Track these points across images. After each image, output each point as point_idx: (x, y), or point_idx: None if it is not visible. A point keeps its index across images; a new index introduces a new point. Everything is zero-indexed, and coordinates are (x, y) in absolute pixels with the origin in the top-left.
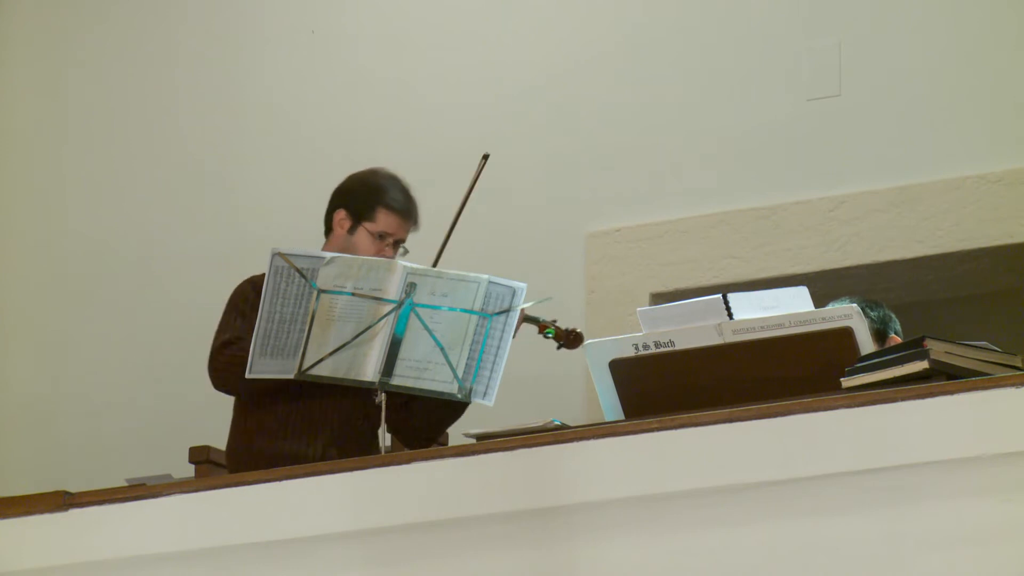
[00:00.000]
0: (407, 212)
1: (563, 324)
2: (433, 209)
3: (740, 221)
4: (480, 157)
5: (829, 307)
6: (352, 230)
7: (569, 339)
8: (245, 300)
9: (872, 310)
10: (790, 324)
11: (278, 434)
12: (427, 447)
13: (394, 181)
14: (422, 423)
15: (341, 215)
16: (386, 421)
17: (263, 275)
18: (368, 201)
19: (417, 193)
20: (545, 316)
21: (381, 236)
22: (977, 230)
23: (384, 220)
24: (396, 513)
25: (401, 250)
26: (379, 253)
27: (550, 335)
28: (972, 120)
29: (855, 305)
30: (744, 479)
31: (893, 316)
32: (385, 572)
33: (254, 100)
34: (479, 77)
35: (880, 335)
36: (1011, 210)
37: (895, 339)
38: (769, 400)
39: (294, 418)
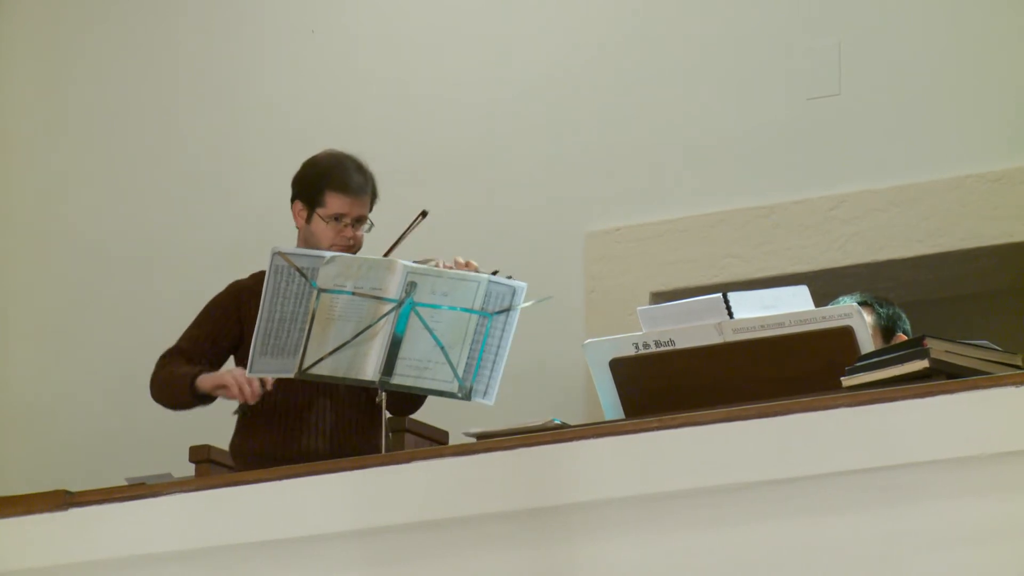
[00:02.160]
0: (358, 189)
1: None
2: (433, 209)
3: (740, 220)
4: (418, 213)
5: (834, 304)
6: (309, 219)
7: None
8: (217, 306)
9: (882, 307)
10: (790, 323)
11: (278, 428)
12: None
13: (342, 160)
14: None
15: (298, 206)
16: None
17: (250, 277)
18: (315, 187)
19: (416, 193)
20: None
21: (337, 218)
22: (977, 229)
23: (334, 202)
24: (396, 512)
25: (367, 225)
26: (339, 235)
27: None
28: (972, 119)
29: (855, 304)
30: (744, 478)
31: (903, 315)
32: (385, 572)
33: (254, 100)
34: (479, 77)
35: (888, 332)
36: (1011, 209)
37: (902, 337)
38: (769, 399)
39: (293, 412)
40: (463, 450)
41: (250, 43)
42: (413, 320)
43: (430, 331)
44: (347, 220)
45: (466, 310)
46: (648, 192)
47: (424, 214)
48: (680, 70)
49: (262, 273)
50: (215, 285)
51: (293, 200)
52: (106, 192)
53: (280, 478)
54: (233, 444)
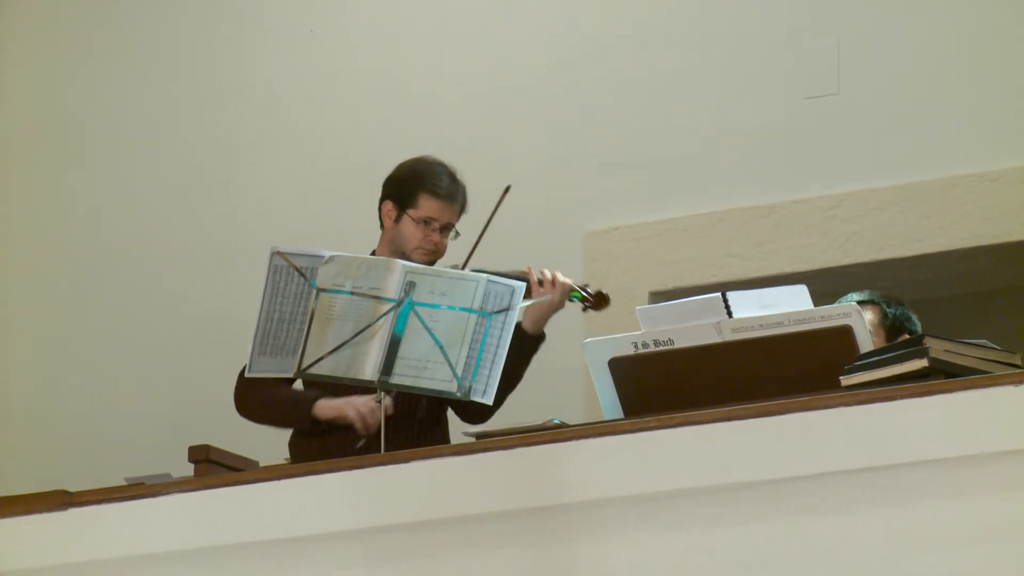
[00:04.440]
0: (451, 195)
1: (590, 289)
2: None
3: (739, 219)
4: (502, 189)
5: (841, 302)
6: (398, 219)
7: (596, 301)
8: None
9: (890, 306)
10: (789, 323)
11: (341, 430)
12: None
13: (437, 166)
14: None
15: (388, 206)
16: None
17: None
18: (410, 188)
19: None
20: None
21: (426, 222)
22: (976, 228)
23: (427, 205)
24: (396, 512)
25: (453, 233)
26: (425, 239)
27: (576, 298)
28: (971, 118)
29: (854, 304)
30: (743, 478)
31: (912, 315)
32: (385, 571)
33: (254, 99)
34: (478, 76)
35: (893, 332)
36: (1010, 208)
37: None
38: (768, 399)
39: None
40: (462, 450)
41: (249, 43)
42: (412, 320)
43: (429, 331)
44: (436, 225)
45: (465, 309)
46: (647, 191)
47: (508, 189)
48: (679, 70)
49: None
50: (215, 283)
51: (383, 200)
52: (106, 191)
53: (279, 478)
54: (292, 441)
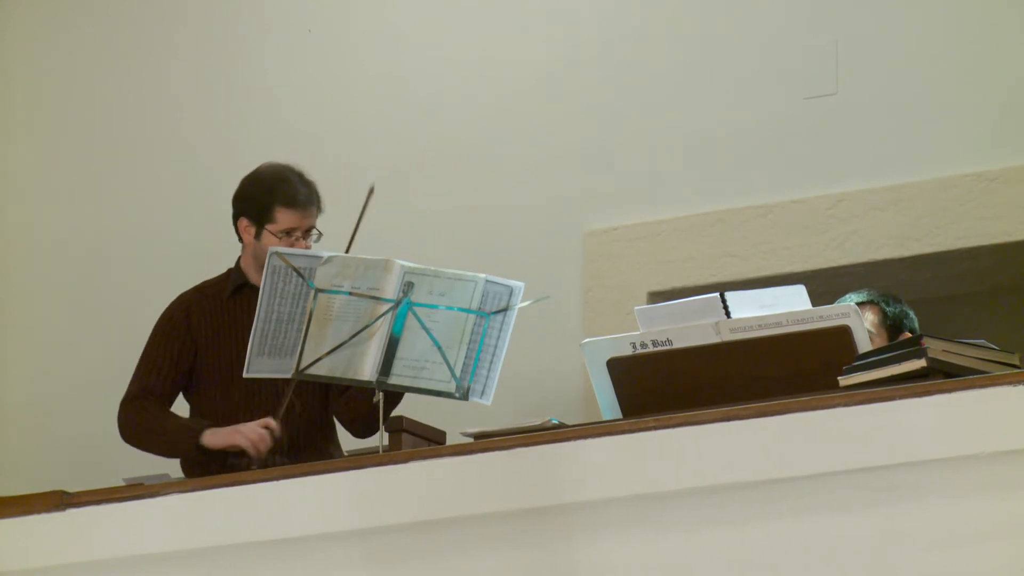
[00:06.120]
0: (306, 202)
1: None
2: (432, 208)
3: (738, 219)
4: (367, 190)
5: (840, 302)
6: (258, 235)
7: None
8: (171, 331)
9: (888, 305)
10: (788, 323)
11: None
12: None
13: (285, 173)
14: (351, 415)
15: (244, 223)
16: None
17: (193, 290)
18: (264, 203)
19: (414, 192)
20: None
21: (288, 233)
22: (975, 228)
23: (285, 218)
24: (395, 512)
25: (315, 235)
26: (293, 248)
27: None
28: (970, 118)
29: (853, 304)
30: (742, 478)
31: (910, 312)
32: (384, 571)
33: (252, 99)
34: (477, 75)
35: (894, 330)
36: (1008, 208)
37: (908, 336)
38: (767, 399)
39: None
40: (461, 450)
41: (248, 42)
42: (410, 320)
43: (427, 331)
44: (297, 234)
45: (463, 310)
46: (646, 191)
47: (372, 190)
48: (678, 69)
49: (206, 284)
50: None
51: (238, 217)
52: (105, 191)
53: (278, 478)
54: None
